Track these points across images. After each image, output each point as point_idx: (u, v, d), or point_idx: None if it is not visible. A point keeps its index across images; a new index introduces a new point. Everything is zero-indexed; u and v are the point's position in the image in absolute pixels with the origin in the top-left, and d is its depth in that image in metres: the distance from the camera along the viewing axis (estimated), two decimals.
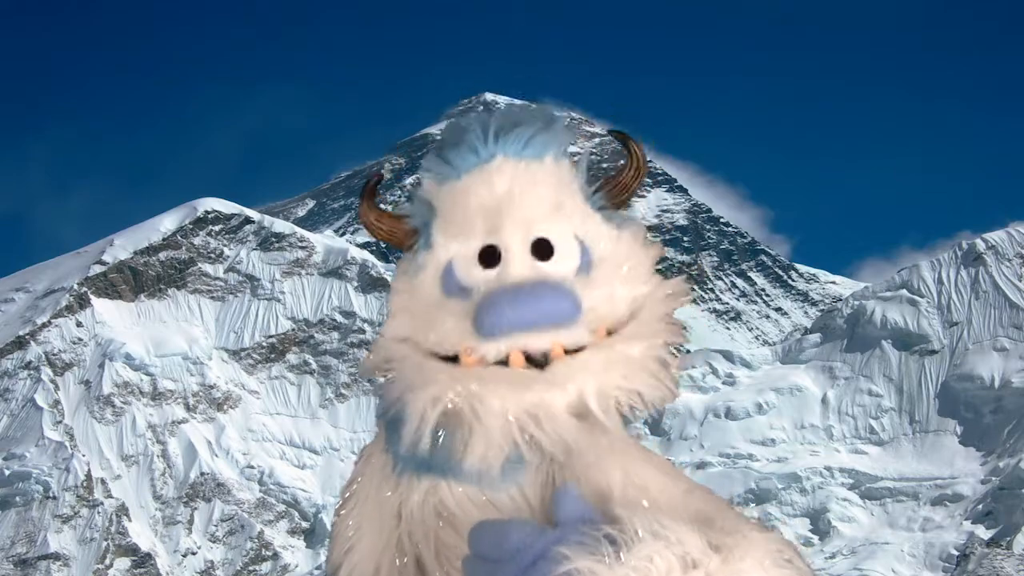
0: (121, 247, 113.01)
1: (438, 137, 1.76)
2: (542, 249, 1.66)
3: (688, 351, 1.69)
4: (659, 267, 1.72)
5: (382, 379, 1.69)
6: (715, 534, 1.46)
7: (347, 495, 1.81)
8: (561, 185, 1.71)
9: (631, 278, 1.68)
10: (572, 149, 1.77)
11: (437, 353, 1.65)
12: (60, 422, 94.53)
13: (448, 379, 1.60)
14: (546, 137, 1.71)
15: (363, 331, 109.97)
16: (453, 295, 1.67)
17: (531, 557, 1.45)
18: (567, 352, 1.59)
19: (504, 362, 1.60)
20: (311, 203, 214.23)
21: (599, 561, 1.39)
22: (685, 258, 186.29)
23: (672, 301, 1.68)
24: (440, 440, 1.61)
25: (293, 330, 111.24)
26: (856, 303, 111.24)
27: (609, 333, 1.63)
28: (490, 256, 1.66)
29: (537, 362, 1.60)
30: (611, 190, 1.76)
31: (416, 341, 1.67)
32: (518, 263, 1.65)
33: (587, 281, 1.65)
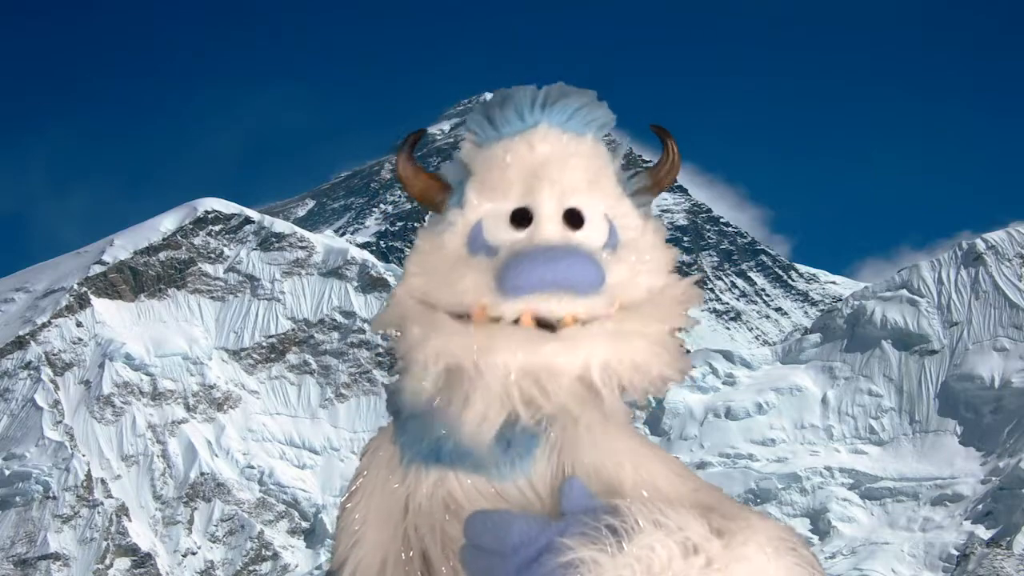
0: (121, 247, 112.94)
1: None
2: (573, 218, 1.66)
3: (688, 351, 1.67)
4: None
5: (394, 334, 1.67)
6: (717, 520, 1.47)
7: (353, 488, 1.79)
8: (598, 164, 1.71)
9: (652, 269, 1.67)
10: (611, 136, 1.79)
11: (452, 312, 1.63)
12: (60, 422, 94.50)
13: (455, 332, 1.58)
14: (590, 115, 1.71)
15: (363, 331, 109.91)
16: (478, 253, 1.65)
17: (535, 551, 1.44)
18: (578, 322, 1.59)
19: (515, 321, 1.59)
20: (311, 203, 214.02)
21: (601, 551, 1.39)
22: (685, 258, 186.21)
23: (687, 299, 1.67)
24: (440, 393, 1.59)
25: (293, 330, 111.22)
26: (856, 303, 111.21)
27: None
28: (522, 217, 1.65)
29: (547, 326, 1.58)
30: (646, 180, 1.76)
31: (432, 301, 1.66)
32: (549, 227, 1.64)
33: (612, 258, 1.64)
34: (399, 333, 1.66)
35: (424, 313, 1.64)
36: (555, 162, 1.68)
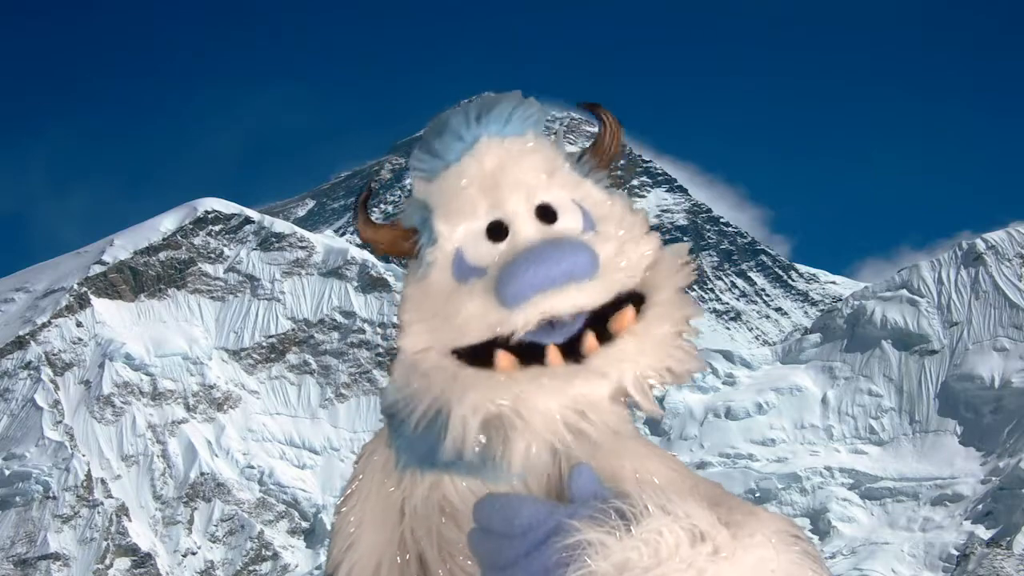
0: (121, 247, 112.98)
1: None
2: (546, 214, 1.69)
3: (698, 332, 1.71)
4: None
5: (412, 391, 1.67)
6: (724, 512, 1.50)
7: (349, 492, 1.80)
8: (549, 156, 1.75)
9: (633, 236, 1.71)
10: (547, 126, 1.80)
11: (463, 345, 1.65)
12: (60, 422, 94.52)
13: (487, 387, 1.60)
14: (524, 114, 1.74)
15: (363, 331, 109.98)
16: (468, 279, 1.67)
17: (543, 533, 1.46)
18: (599, 339, 1.62)
19: (540, 360, 1.61)
20: (311, 203, 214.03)
21: (609, 534, 1.42)
22: None
23: (682, 273, 1.70)
24: (483, 446, 1.60)
25: (293, 330, 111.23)
26: (856, 303, 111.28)
27: (629, 299, 1.66)
28: (498, 230, 1.68)
29: (574, 355, 1.61)
30: (593, 155, 1.80)
31: (439, 346, 1.67)
32: (527, 228, 1.68)
33: (596, 238, 1.68)
34: (419, 389, 1.66)
35: (445, 369, 1.65)
36: (509, 167, 1.71)
